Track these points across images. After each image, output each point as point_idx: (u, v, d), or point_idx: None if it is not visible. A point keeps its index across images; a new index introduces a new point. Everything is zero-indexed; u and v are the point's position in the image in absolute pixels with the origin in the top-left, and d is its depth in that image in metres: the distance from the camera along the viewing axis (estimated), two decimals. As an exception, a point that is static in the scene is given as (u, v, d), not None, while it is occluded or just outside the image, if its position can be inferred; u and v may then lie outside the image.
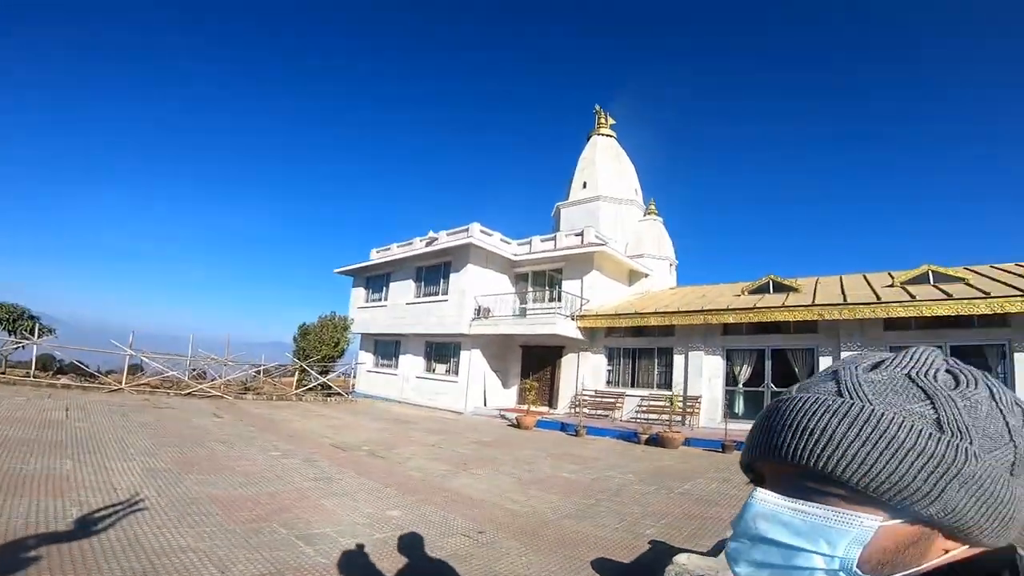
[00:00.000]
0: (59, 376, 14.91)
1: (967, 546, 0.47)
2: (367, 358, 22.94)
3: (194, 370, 18.02)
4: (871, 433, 0.46)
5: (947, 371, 0.52)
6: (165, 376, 16.39)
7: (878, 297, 11.83)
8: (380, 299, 22.38)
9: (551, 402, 17.05)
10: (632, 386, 15.49)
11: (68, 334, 18.76)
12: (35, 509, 4.09)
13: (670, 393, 13.25)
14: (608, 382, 16.09)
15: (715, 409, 13.66)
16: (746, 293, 14.99)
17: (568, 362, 16.97)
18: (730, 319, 13.05)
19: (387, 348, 22.28)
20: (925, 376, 0.51)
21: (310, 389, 18.70)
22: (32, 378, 13.59)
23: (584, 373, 16.40)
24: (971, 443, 0.46)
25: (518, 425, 13.66)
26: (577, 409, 15.31)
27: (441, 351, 19.48)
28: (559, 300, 17.48)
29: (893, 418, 0.47)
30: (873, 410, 0.48)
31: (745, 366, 13.58)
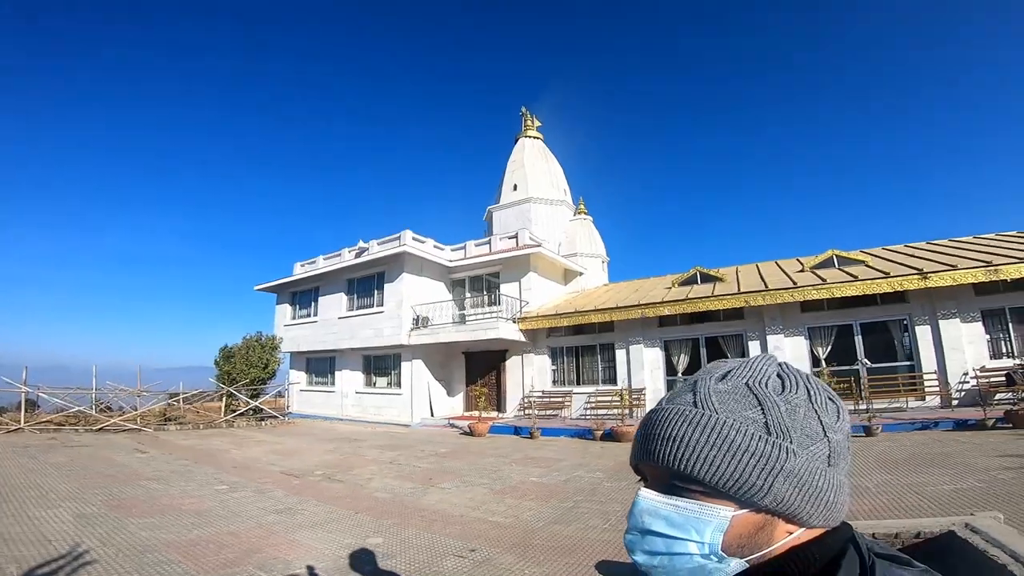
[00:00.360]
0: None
1: (804, 528, 0.58)
2: (299, 377, 21.81)
3: (100, 403, 16.30)
4: (716, 438, 0.56)
5: (778, 376, 0.63)
6: (69, 412, 14.68)
7: (794, 282, 12.90)
8: (309, 315, 21.35)
9: (499, 406, 17.07)
10: (578, 384, 15.85)
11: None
12: None
13: (616, 388, 13.71)
14: (554, 382, 16.36)
15: (659, 399, 14.28)
16: (676, 285, 15.81)
17: (513, 365, 17.07)
18: (665, 311, 13.70)
19: (321, 365, 21.31)
20: (758, 384, 0.61)
21: (240, 414, 17.49)
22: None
23: (530, 375, 16.57)
24: (791, 442, 0.57)
25: (471, 433, 13.55)
26: (526, 411, 15.44)
27: (381, 364, 18.92)
28: (498, 304, 17.54)
29: (732, 424, 0.57)
30: (718, 418, 0.57)
31: (682, 355, 14.32)
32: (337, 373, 20.06)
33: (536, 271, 17.96)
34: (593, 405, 14.84)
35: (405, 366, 17.56)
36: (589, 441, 11.82)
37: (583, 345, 15.98)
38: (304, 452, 11.20)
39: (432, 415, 17.35)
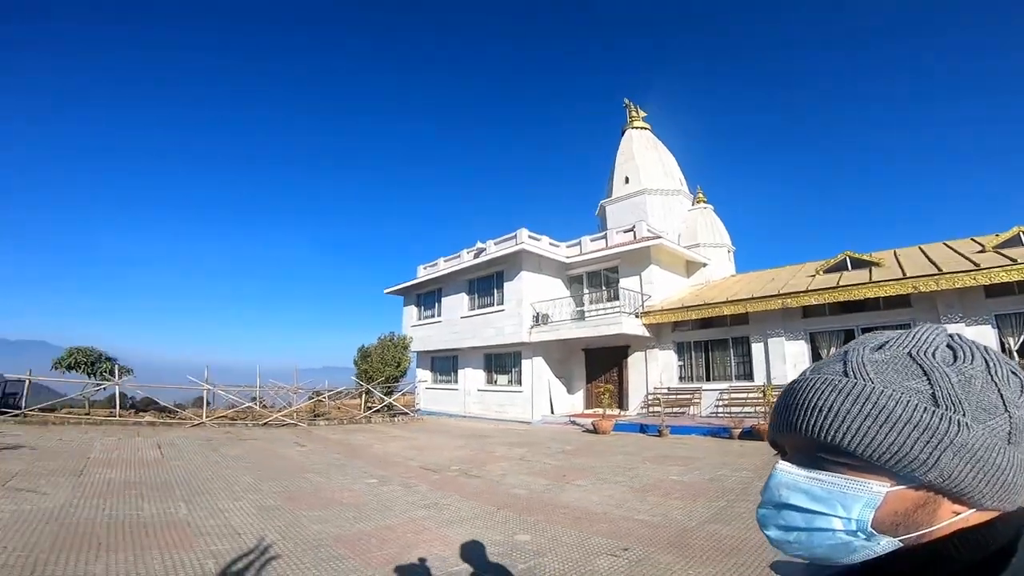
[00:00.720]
0: (141, 414, 15.36)
1: (975, 509, 0.52)
2: (425, 375, 22.94)
3: (262, 400, 18.33)
4: (871, 408, 0.51)
5: (948, 347, 0.57)
6: (240, 408, 16.67)
7: (976, 264, 10.96)
8: (433, 315, 22.37)
9: (621, 404, 16.55)
10: (708, 380, 14.87)
11: (140, 373, 19.38)
12: (173, 565, 3.92)
13: (754, 384, 12.63)
14: (681, 378, 15.51)
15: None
16: (821, 272, 14.21)
17: (635, 361, 16.47)
18: (812, 300, 12.34)
19: (444, 364, 22.23)
20: (924, 354, 0.55)
21: (376, 411, 18.74)
22: (118, 417, 14.02)
23: (654, 371, 15.87)
24: (964, 414, 0.51)
25: (595, 431, 13.25)
26: (652, 409, 14.79)
27: (501, 362, 19.26)
28: (618, 299, 17.01)
29: (891, 394, 0.52)
30: (873, 388, 0.53)
31: (832, 348, 12.80)
32: (460, 371, 20.78)
33: (657, 264, 17.17)
34: (726, 402, 13.82)
35: (525, 363, 17.69)
36: (726, 440, 11.00)
37: (713, 339, 14.96)
38: (437, 448, 11.61)
39: (552, 412, 17.29)
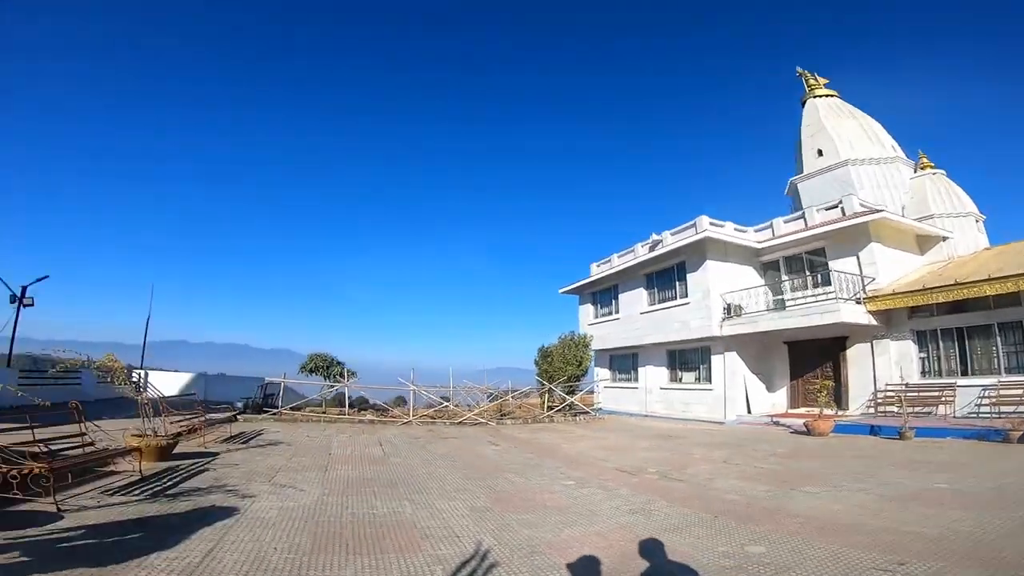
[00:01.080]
0: (362, 412, 17.57)
1: None
2: (604, 374, 22.55)
3: (447, 399, 19.52)
4: None
5: None
6: (439, 408, 18.08)
7: None
8: (610, 312, 21.93)
9: (839, 403, 14.22)
10: (964, 374, 12.02)
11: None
12: (408, 571, 3.90)
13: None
14: (924, 372, 12.79)
15: None
16: None
17: (857, 354, 14.05)
18: None
19: (623, 362, 21.60)
20: None
21: (558, 410, 18.89)
22: (347, 416, 16.19)
23: (884, 364, 13.35)
24: None
25: (809, 432, 11.53)
26: (879, 409, 12.44)
27: (686, 358, 18.04)
28: (827, 284, 14.71)
29: None
30: None
31: None
32: (640, 369, 19.98)
33: (879, 241, 14.46)
34: (994, 400, 10.99)
35: (716, 359, 16.27)
36: (999, 444, 8.83)
37: (970, 325, 12.06)
38: (626, 448, 11.12)
39: (750, 412, 15.61)
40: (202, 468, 7.26)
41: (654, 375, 19.20)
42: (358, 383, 18.36)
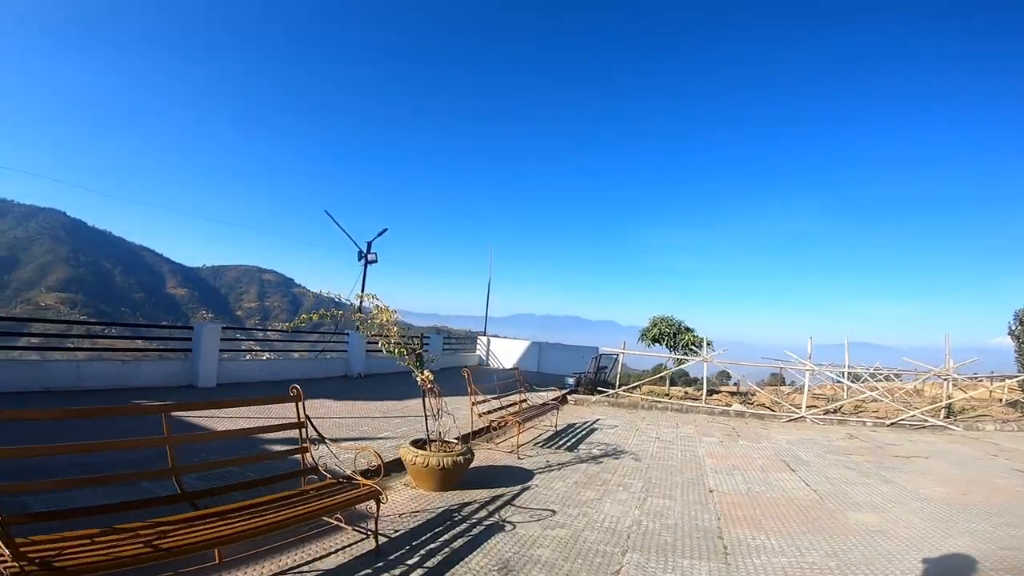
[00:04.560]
0: (713, 396, 12.93)
1: None
2: None
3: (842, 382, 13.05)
4: None
5: None
6: (866, 397, 11.99)
7: None
8: None
9: None
10: None
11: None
12: None
13: None
14: None
15: None
16: None
17: None
18: None
19: None
20: None
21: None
22: (701, 402, 11.80)
23: None
24: None
25: None
26: None
27: None
28: None
29: None
30: None
31: None
32: None
33: None
34: None
35: None
36: None
37: None
38: None
39: None
40: (492, 523, 3.98)
41: None
42: (724, 358, 13.28)
